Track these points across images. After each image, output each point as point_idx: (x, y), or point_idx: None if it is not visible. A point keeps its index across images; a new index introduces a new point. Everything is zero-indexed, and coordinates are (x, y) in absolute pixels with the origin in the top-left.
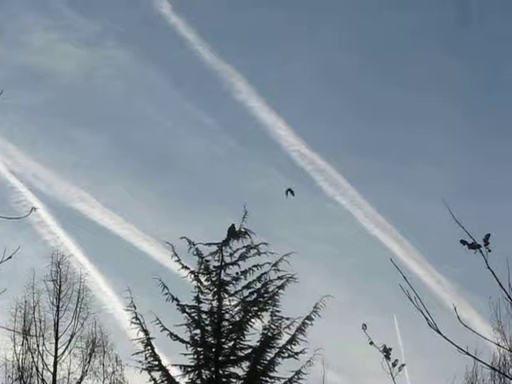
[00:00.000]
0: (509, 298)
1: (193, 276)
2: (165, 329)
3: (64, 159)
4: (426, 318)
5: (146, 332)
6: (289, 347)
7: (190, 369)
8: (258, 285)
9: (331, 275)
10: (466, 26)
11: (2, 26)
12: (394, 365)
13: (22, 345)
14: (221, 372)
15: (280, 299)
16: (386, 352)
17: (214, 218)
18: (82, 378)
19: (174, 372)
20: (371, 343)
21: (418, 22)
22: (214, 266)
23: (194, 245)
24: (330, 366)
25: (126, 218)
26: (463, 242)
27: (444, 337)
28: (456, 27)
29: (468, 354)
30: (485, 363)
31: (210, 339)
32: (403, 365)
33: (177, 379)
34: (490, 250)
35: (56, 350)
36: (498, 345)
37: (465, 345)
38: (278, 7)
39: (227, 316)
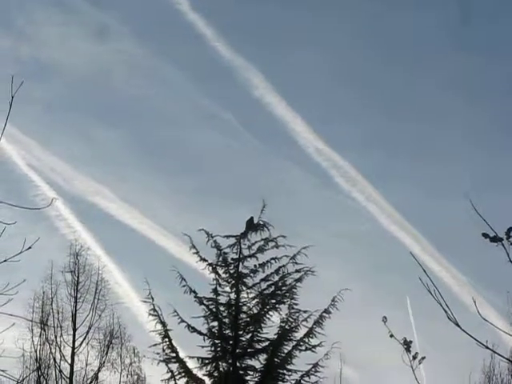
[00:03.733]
0: None
1: (211, 268)
2: (182, 321)
3: (82, 153)
4: (446, 312)
5: (163, 324)
6: (306, 340)
7: (207, 361)
8: (276, 277)
9: (348, 270)
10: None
11: (10, 19)
12: (414, 357)
13: (40, 336)
14: (238, 364)
15: (298, 292)
16: (407, 345)
17: (230, 212)
18: (99, 370)
19: (191, 364)
20: (391, 336)
21: (437, 19)
22: (232, 259)
23: (212, 237)
24: (347, 360)
25: (144, 212)
26: (485, 235)
27: (463, 330)
28: (473, 25)
29: (487, 347)
30: (504, 357)
31: (227, 331)
32: (423, 357)
33: (194, 371)
34: None
35: (74, 341)
36: None
37: (482, 340)
38: (295, 3)
39: (245, 308)
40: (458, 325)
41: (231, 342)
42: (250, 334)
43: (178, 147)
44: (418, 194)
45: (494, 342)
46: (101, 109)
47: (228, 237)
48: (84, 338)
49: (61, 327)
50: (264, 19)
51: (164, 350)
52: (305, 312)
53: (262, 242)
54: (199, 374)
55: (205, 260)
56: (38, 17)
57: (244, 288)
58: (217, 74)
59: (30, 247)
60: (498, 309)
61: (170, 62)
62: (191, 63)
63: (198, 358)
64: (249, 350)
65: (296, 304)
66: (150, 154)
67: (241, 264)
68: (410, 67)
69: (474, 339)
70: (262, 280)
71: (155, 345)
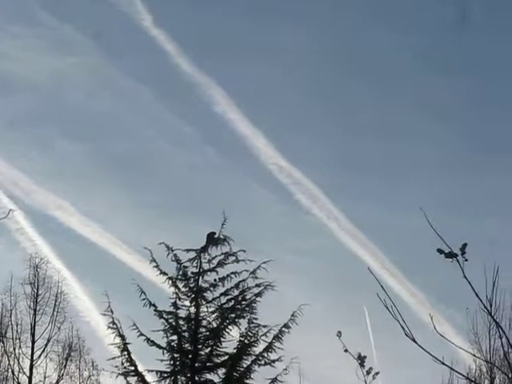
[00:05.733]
0: (485, 308)
1: (170, 282)
2: (141, 334)
3: (43, 167)
4: (402, 327)
5: (122, 337)
6: (265, 355)
7: (165, 375)
8: (236, 292)
9: (308, 286)
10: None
11: None
12: (368, 372)
13: None
14: (197, 378)
15: (257, 307)
16: (361, 360)
17: (192, 228)
18: (57, 382)
19: (150, 378)
20: (346, 350)
21: (406, 37)
22: (192, 273)
23: (172, 250)
24: (306, 376)
25: (104, 226)
26: (440, 251)
27: (420, 346)
28: (443, 44)
29: (443, 363)
30: (460, 373)
31: (186, 345)
32: (377, 373)
33: None
34: (466, 260)
35: (32, 353)
36: (474, 355)
37: (440, 357)
38: (259, 20)
39: (204, 322)
40: (414, 340)
41: (190, 356)
42: (209, 348)
43: (139, 162)
44: (379, 212)
45: (453, 359)
46: (63, 123)
47: (188, 250)
48: (43, 351)
49: (19, 339)
50: (227, 35)
51: (123, 364)
52: (264, 327)
53: (223, 256)
54: None
55: (165, 274)
56: None
57: (204, 302)
58: (179, 89)
59: None
60: (456, 327)
61: (133, 77)
62: (154, 78)
63: (157, 372)
64: (208, 364)
65: (256, 319)
66: (112, 168)
67: (201, 278)
68: (372, 84)
69: (430, 355)
70: (221, 294)
71: (114, 358)
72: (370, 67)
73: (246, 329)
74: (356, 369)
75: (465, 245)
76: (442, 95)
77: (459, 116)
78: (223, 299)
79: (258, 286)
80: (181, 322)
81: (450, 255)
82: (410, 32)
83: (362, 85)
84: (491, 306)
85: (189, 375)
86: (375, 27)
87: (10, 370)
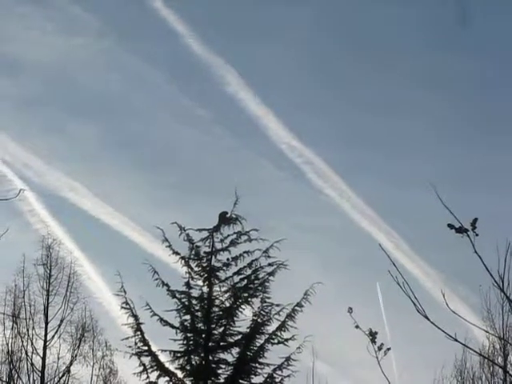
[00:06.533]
0: (497, 284)
1: (183, 262)
2: (155, 314)
3: (55, 149)
4: (414, 304)
5: (135, 317)
6: (278, 334)
7: (179, 354)
8: (249, 271)
9: (321, 265)
10: (463, 25)
11: None
12: (379, 348)
13: (12, 329)
14: (210, 358)
15: (270, 286)
16: (372, 335)
17: (204, 208)
18: (71, 363)
19: (164, 357)
20: (357, 327)
21: (410, 15)
22: (205, 252)
23: (184, 230)
24: (319, 354)
25: (117, 207)
26: (450, 226)
27: (432, 322)
28: (447, 21)
29: (456, 340)
30: (473, 350)
31: (199, 325)
32: (389, 348)
33: (166, 365)
34: (477, 234)
35: (46, 334)
36: (487, 332)
37: (453, 334)
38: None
39: (217, 302)
40: (426, 317)
41: (203, 336)
42: (222, 328)
43: (151, 142)
44: (390, 190)
45: (466, 337)
46: (74, 104)
47: (201, 230)
48: (56, 332)
49: (33, 320)
50: (238, 16)
51: (136, 344)
52: (277, 305)
53: (235, 236)
54: (171, 367)
55: (177, 253)
56: (5, 10)
57: (216, 281)
58: (190, 70)
59: None
60: (469, 305)
61: (143, 58)
62: (165, 59)
63: (171, 352)
64: (221, 344)
65: (268, 297)
66: (124, 149)
67: (213, 257)
68: (381, 63)
69: (443, 331)
70: (234, 273)
71: (127, 338)
72: (374, 45)
73: (258, 308)
74: (367, 345)
75: (475, 220)
76: (446, 70)
77: (461, 91)
78: (236, 278)
79: (270, 265)
80: (194, 302)
81: (461, 230)
82: (410, 7)
83: (367, 63)
84: (503, 282)
85: (202, 355)
86: (378, 2)
87: (23, 351)
